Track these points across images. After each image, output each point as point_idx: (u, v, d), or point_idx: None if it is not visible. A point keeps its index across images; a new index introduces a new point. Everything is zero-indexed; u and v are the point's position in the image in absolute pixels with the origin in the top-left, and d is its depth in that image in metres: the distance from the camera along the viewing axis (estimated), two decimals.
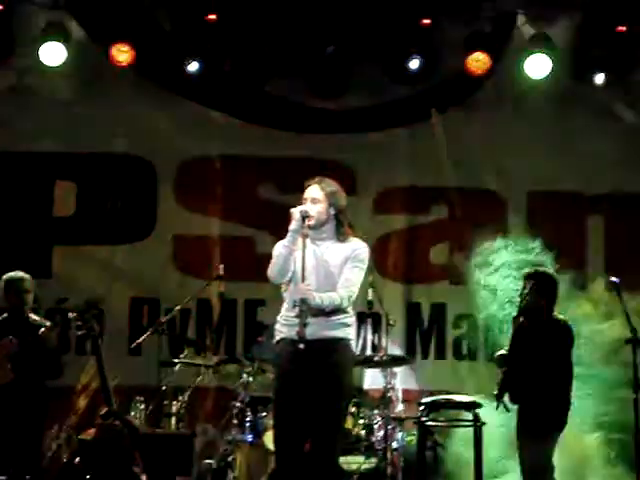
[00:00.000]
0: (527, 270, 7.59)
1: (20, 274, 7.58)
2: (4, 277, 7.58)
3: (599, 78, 9.42)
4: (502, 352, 7.62)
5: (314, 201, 6.14)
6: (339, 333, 6.08)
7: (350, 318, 6.16)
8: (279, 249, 6.07)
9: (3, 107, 9.61)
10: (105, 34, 9.36)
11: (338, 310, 6.06)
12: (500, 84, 9.59)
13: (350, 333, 6.16)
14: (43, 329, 7.42)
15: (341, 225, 6.18)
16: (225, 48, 9.37)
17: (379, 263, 9.53)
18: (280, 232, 6.19)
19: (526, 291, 7.37)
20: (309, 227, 6.07)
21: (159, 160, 9.86)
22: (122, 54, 9.32)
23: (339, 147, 9.79)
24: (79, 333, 7.42)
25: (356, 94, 9.77)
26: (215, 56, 9.42)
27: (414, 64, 9.42)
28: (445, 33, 9.46)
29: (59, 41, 9.27)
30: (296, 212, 6.08)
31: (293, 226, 6.06)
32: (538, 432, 7.18)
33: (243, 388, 8.38)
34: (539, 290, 7.37)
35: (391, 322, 8.47)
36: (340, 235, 6.17)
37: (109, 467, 7.07)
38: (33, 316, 7.62)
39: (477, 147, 9.74)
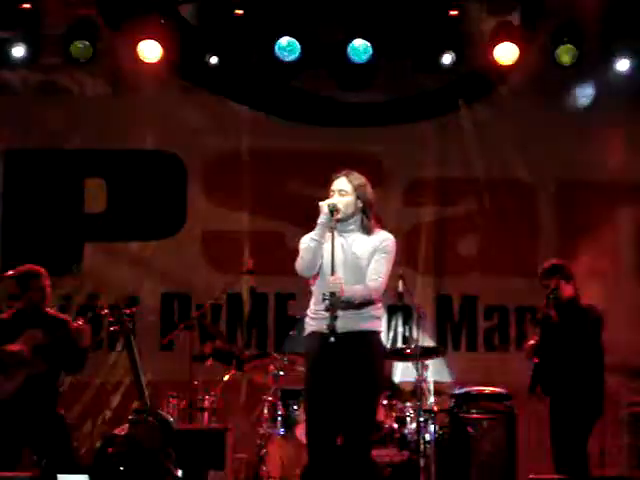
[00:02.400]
0: (545, 266, 7.57)
1: (37, 269, 7.57)
2: (20, 272, 7.55)
3: (624, 64, 9.34)
4: (532, 342, 7.61)
5: (342, 193, 6.14)
6: (369, 326, 6.08)
7: (379, 310, 6.15)
8: (307, 242, 6.06)
9: (33, 105, 9.67)
10: (133, 31, 9.38)
11: (367, 302, 6.05)
12: (528, 74, 9.53)
13: (380, 325, 6.16)
14: (80, 323, 7.45)
15: (368, 218, 6.18)
16: (252, 43, 9.38)
17: (408, 256, 9.51)
18: (309, 225, 6.17)
19: (552, 286, 7.36)
20: (337, 220, 6.07)
21: (188, 156, 9.89)
22: (150, 51, 9.35)
23: (367, 140, 9.77)
24: (111, 329, 7.44)
25: (383, 86, 9.75)
26: (242, 50, 9.42)
27: (446, 59, 9.38)
28: (473, 24, 9.41)
29: (88, 38, 9.32)
30: (324, 206, 6.07)
31: (321, 219, 6.06)
32: (576, 422, 7.17)
33: (274, 382, 8.39)
34: (566, 281, 7.38)
35: (422, 314, 8.45)
36: (367, 228, 6.17)
37: (142, 462, 7.10)
38: (51, 311, 7.66)
39: (505, 138, 9.71)
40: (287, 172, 9.85)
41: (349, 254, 6.09)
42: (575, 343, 7.29)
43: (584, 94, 9.54)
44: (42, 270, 7.58)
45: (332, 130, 9.81)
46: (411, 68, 9.64)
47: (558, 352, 7.35)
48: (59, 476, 7.11)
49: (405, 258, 9.45)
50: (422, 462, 7.99)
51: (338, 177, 6.20)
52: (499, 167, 9.78)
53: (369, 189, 6.21)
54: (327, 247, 6.02)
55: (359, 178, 6.21)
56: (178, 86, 9.71)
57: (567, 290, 7.46)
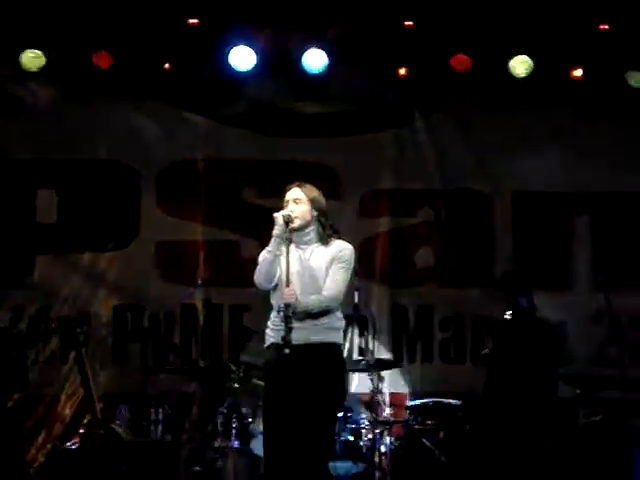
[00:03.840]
0: (501, 276, 7.63)
1: None
2: None
3: (580, 76, 9.42)
4: (486, 351, 7.65)
5: (296, 202, 6.16)
6: (327, 337, 6.07)
7: (339, 322, 6.14)
8: (263, 255, 6.06)
9: None
10: (85, 40, 9.31)
11: (326, 314, 6.05)
12: (483, 85, 9.57)
13: (339, 337, 6.16)
14: None
15: (324, 227, 6.18)
16: (206, 52, 9.34)
17: (365, 266, 9.46)
18: (265, 236, 6.18)
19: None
20: (293, 229, 6.08)
21: (141, 166, 9.81)
22: (102, 60, 9.28)
23: (323, 150, 9.76)
24: (62, 342, 7.36)
25: (339, 97, 9.74)
26: (196, 60, 9.38)
27: (401, 73, 9.41)
28: (428, 34, 9.43)
29: (39, 47, 9.23)
30: (279, 217, 6.07)
31: (276, 231, 6.06)
32: (527, 432, 7.20)
33: (229, 394, 8.34)
34: (523, 291, 7.40)
35: (377, 326, 8.45)
36: (323, 238, 6.16)
37: (94, 476, 7.04)
38: None
39: (461, 149, 9.73)
40: (242, 182, 9.80)
41: (306, 266, 6.10)
42: (530, 354, 7.32)
43: None
44: None
45: (288, 140, 9.78)
46: (367, 79, 9.64)
47: (513, 362, 7.36)
48: None
49: (361, 269, 9.41)
50: (377, 474, 7.96)
51: (291, 188, 6.23)
52: (455, 178, 9.79)
53: (322, 199, 6.25)
54: (284, 259, 6.01)
55: (312, 188, 6.25)
56: (131, 95, 9.63)
57: (523, 301, 7.49)
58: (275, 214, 6.10)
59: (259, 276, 6.08)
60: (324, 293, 6.03)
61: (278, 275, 6.06)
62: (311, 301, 5.98)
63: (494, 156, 9.74)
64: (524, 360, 7.32)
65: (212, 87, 9.64)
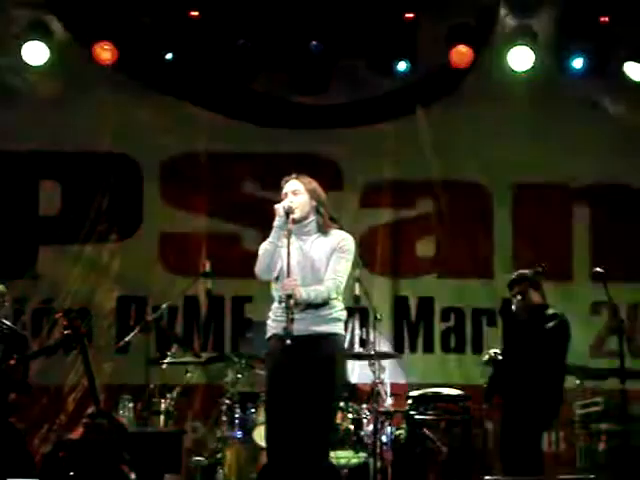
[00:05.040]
0: (514, 276, 7.67)
1: None
2: None
3: (580, 69, 9.44)
4: (492, 353, 7.69)
5: (295, 193, 6.17)
6: (329, 328, 6.07)
7: (340, 312, 6.14)
8: (264, 246, 6.09)
9: None
10: (87, 32, 9.34)
11: (327, 304, 6.05)
12: (483, 77, 9.60)
13: (340, 327, 6.15)
14: (11, 361, 7.44)
15: (323, 217, 6.20)
16: (209, 45, 9.36)
17: (366, 257, 9.53)
18: (267, 228, 6.20)
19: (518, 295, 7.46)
20: (293, 221, 6.08)
21: (144, 158, 9.84)
22: (105, 52, 9.32)
23: (324, 142, 9.79)
24: (65, 333, 7.39)
25: (340, 89, 9.76)
26: (199, 53, 9.40)
27: (401, 66, 9.43)
28: (428, 27, 9.46)
29: (41, 40, 9.26)
30: (279, 208, 6.09)
31: (277, 222, 6.08)
32: (533, 424, 7.25)
33: (232, 385, 8.38)
34: (535, 289, 7.47)
35: (378, 316, 8.47)
36: (323, 228, 6.18)
37: (97, 466, 7.06)
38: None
39: (461, 140, 9.76)
40: (244, 174, 9.83)
41: (307, 257, 6.10)
42: (540, 347, 7.36)
43: None
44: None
45: (289, 132, 9.81)
46: (367, 71, 9.66)
47: (522, 354, 7.41)
48: None
49: (362, 260, 9.48)
50: (378, 464, 7.99)
51: (289, 180, 6.23)
52: (455, 169, 9.83)
53: (320, 189, 6.25)
54: (284, 250, 6.04)
55: (309, 179, 6.25)
56: (134, 87, 9.65)
57: (535, 297, 7.56)
58: (276, 205, 6.11)
59: (260, 267, 6.09)
60: (325, 283, 6.03)
61: (279, 266, 6.09)
62: (312, 292, 6.00)
63: (494, 147, 9.76)
64: (534, 355, 7.36)
65: (214, 79, 9.66)
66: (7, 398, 7.51)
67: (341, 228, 6.25)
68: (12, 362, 7.46)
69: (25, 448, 7.57)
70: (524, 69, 9.40)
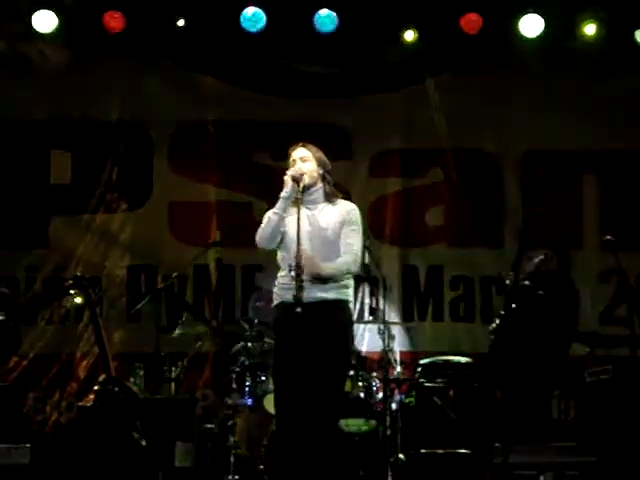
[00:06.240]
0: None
1: None
2: None
3: (592, 36, 9.40)
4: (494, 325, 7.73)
5: (303, 159, 6.21)
6: (337, 295, 6.12)
7: (348, 280, 6.18)
8: (269, 215, 6.11)
9: None
10: (97, 0, 9.32)
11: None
12: (493, 44, 9.56)
13: (349, 294, 6.19)
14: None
15: (330, 186, 6.22)
16: (217, 13, 9.34)
17: (375, 227, 9.55)
18: (276, 197, 6.23)
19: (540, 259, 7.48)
20: (304, 188, 6.11)
21: (154, 126, 9.83)
22: (114, 21, 9.30)
23: (334, 111, 9.77)
24: (76, 301, 7.43)
25: (350, 57, 9.73)
26: (207, 21, 9.38)
27: (409, 34, 9.40)
28: None
29: (51, 8, 9.25)
30: (288, 178, 6.12)
31: (285, 193, 6.12)
32: (542, 390, 7.29)
33: (242, 353, 8.41)
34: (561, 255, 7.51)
35: (388, 286, 8.50)
36: (330, 196, 6.22)
37: (109, 433, 7.11)
38: None
39: (471, 109, 9.73)
40: (254, 143, 9.82)
41: (315, 226, 6.13)
42: (558, 313, 7.41)
43: None
44: None
45: (299, 101, 9.80)
46: (377, 39, 9.63)
47: (527, 320, 7.44)
48: None
49: (371, 229, 9.50)
50: (388, 431, 8.03)
51: (296, 147, 6.28)
52: (465, 138, 9.80)
53: (326, 158, 6.30)
54: (293, 219, 6.05)
55: (316, 148, 6.30)
56: (143, 56, 9.63)
57: (553, 264, 7.59)
58: (285, 176, 6.15)
59: (262, 236, 6.11)
60: (344, 257, 6.08)
61: (280, 236, 6.11)
62: (335, 267, 6.04)
63: (504, 115, 9.73)
64: (542, 321, 7.39)
65: (223, 48, 9.65)
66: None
67: (346, 198, 6.28)
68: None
69: (21, 409, 7.60)
70: (534, 35, 9.36)
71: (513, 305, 7.55)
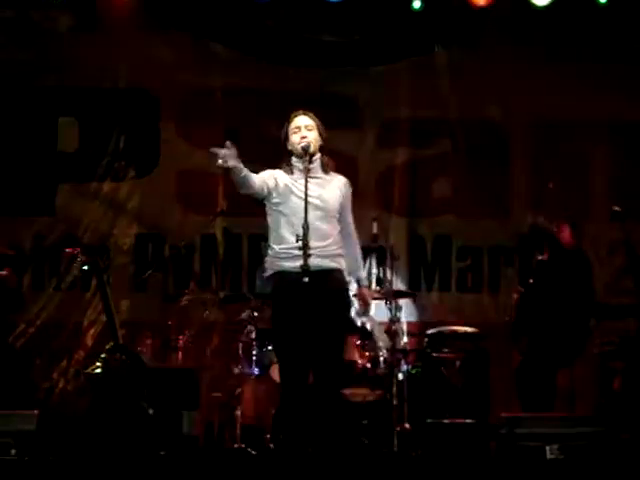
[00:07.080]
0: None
1: None
2: None
3: (604, 3, 9.33)
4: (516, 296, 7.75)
5: (308, 128, 6.22)
6: (335, 264, 6.16)
7: (342, 249, 6.22)
8: (270, 173, 6.18)
9: (6, 41, 9.52)
10: None
11: (333, 241, 6.13)
12: (503, 14, 9.49)
13: (342, 264, 6.22)
14: (3, 272, 7.47)
15: (327, 156, 6.24)
16: None
17: (383, 197, 9.54)
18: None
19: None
20: (311, 157, 6.11)
21: (162, 95, 9.80)
22: None
23: (342, 81, 9.73)
24: (84, 269, 7.44)
25: (358, 27, 9.69)
26: None
27: (417, 4, 9.36)
28: None
29: None
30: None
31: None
32: (556, 361, 7.33)
33: (249, 322, 8.42)
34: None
35: (395, 255, 8.50)
36: (325, 167, 6.22)
37: (116, 401, 7.13)
38: None
39: (479, 79, 9.68)
40: (261, 112, 9.78)
41: (315, 195, 6.14)
42: (575, 284, 7.42)
43: None
44: None
45: (306, 70, 9.75)
46: (386, 8, 9.57)
47: (555, 291, 7.45)
48: None
49: (379, 199, 9.49)
50: (395, 401, 8.05)
51: (298, 115, 6.25)
52: (472, 108, 9.76)
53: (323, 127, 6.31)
54: (296, 188, 6.10)
55: (315, 116, 6.29)
56: (152, 23, 9.59)
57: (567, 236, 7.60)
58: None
59: (241, 184, 6.25)
60: (354, 239, 6.30)
61: (286, 202, 6.13)
62: (360, 262, 6.37)
63: (512, 86, 9.69)
64: (569, 290, 7.42)
65: (232, 16, 9.60)
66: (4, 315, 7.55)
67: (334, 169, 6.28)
68: (4, 273, 7.49)
69: (28, 376, 7.63)
70: (545, 3, 9.29)
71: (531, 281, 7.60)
